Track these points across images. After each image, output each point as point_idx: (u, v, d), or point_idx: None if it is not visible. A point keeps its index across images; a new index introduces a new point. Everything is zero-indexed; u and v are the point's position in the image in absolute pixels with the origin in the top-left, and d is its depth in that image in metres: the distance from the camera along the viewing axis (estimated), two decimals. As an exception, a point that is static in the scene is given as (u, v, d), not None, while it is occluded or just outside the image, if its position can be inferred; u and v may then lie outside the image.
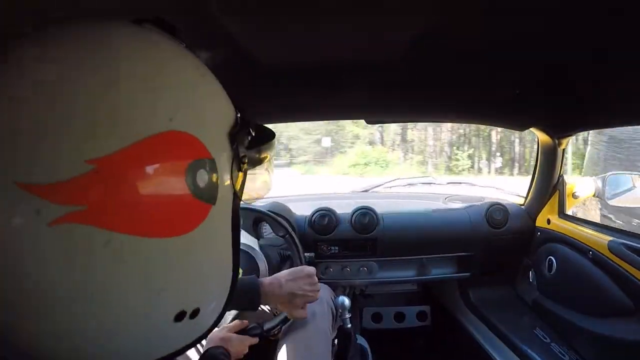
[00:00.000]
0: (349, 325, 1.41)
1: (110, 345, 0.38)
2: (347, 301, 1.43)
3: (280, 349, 1.18)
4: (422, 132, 16.32)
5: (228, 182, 0.44)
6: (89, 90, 0.35)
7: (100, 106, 0.35)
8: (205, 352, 0.91)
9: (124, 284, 0.37)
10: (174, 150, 0.38)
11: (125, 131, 0.35)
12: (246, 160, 0.46)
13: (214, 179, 0.41)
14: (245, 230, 1.61)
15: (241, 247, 1.13)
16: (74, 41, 0.38)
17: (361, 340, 1.84)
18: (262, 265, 1.26)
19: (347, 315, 1.44)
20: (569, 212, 1.59)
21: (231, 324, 1.07)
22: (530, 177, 1.78)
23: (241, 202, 0.48)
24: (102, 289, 0.36)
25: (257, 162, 0.49)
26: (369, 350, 1.83)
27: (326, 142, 15.16)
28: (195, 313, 0.43)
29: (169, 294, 0.40)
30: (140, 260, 0.37)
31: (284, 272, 1.05)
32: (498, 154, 15.59)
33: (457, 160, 15.23)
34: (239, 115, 0.48)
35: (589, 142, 4.23)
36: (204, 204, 0.40)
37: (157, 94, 0.38)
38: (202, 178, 0.40)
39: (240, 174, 0.46)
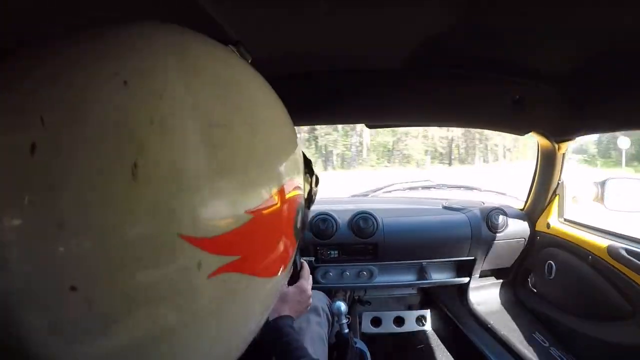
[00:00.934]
0: (347, 331, 1.40)
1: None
2: (343, 306, 1.43)
3: None
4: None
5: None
6: (243, 137, 0.35)
7: (255, 152, 0.35)
8: (267, 323, 0.89)
9: (248, 318, 0.40)
10: (294, 195, 0.39)
11: (273, 178, 0.36)
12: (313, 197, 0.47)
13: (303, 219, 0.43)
14: None
15: None
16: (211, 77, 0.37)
17: (360, 345, 1.84)
18: None
19: (344, 321, 1.43)
20: (569, 216, 1.59)
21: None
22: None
23: None
24: (233, 322, 0.38)
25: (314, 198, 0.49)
26: (368, 354, 1.83)
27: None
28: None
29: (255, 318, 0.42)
30: (259, 296, 0.39)
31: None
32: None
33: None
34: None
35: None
36: (295, 241, 0.42)
37: (284, 136, 0.41)
38: (300, 219, 0.41)
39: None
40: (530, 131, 1.53)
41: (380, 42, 1.03)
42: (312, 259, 1.20)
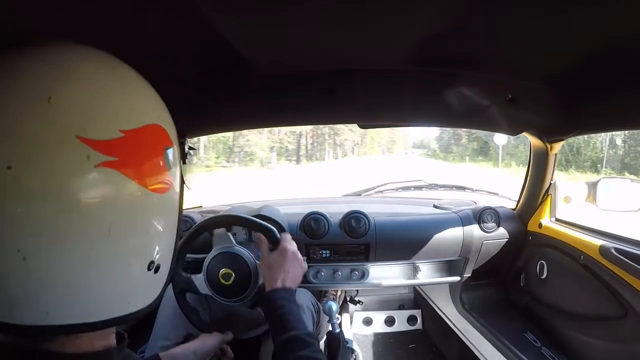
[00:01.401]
0: (338, 330, 1.40)
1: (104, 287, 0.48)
2: (334, 306, 1.43)
3: (263, 352, 1.22)
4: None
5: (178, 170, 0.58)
6: (113, 92, 0.50)
7: (122, 100, 0.50)
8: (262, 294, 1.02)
9: (136, 230, 0.51)
10: (159, 134, 0.53)
11: (140, 117, 0.51)
12: (187, 157, 0.61)
13: (176, 161, 0.56)
14: (239, 235, 1.62)
15: (231, 250, 1.14)
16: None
17: (352, 345, 1.84)
18: (252, 267, 1.23)
19: (336, 320, 1.44)
20: (561, 216, 1.60)
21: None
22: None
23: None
24: (119, 221, 0.48)
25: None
26: (359, 354, 1.83)
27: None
28: (157, 268, 0.54)
29: (149, 241, 0.53)
30: (140, 205, 0.50)
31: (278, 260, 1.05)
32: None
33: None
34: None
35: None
36: (171, 177, 0.55)
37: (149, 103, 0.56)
38: (170, 157, 0.54)
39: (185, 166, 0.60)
40: (523, 131, 1.53)
41: (373, 43, 1.03)
42: (304, 258, 1.21)
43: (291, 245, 1.09)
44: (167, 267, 0.58)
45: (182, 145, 0.59)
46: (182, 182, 0.59)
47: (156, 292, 0.56)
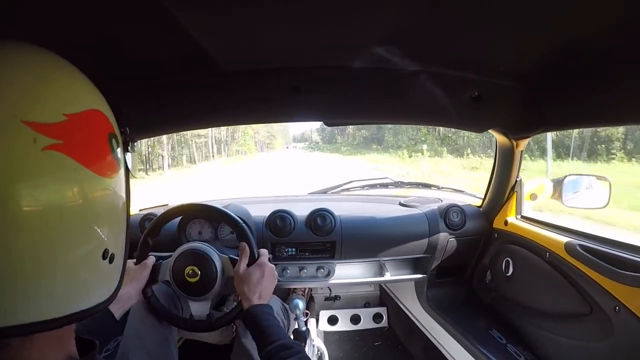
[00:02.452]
0: (304, 328, 1.44)
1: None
2: (301, 304, 1.46)
3: (235, 354, 1.26)
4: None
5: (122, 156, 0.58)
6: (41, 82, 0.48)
7: (63, 86, 0.50)
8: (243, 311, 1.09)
9: (87, 215, 0.50)
10: (101, 119, 0.53)
11: (82, 102, 0.51)
12: (130, 145, 0.60)
13: (119, 148, 0.56)
14: (204, 233, 1.66)
15: (197, 248, 1.13)
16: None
17: (318, 343, 1.82)
18: (218, 265, 1.23)
19: (302, 318, 1.47)
20: (526, 213, 1.61)
21: None
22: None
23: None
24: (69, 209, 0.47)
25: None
26: (325, 352, 1.80)
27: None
28: (112, 258, 0.54)
29: (102, 228, 0.52)
30: (88, 189, 0.49)
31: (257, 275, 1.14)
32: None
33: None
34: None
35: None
36: (116, 162, 0.54)
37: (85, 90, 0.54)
38: (113, 143, 0.54)
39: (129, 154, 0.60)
40: (489, 128, 1.54)
41: (338, 41, 1.02)
42: (270, 256, 1.20)
43: (267, 261, 1.19)
44: (122, 257, 0.58)
45: (123, 134, 0.59)
46: (127, 169, 0.59)
47: (114, 283, 0.56)
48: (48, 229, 0.45)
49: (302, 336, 1.50)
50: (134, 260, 1.24)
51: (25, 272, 0.44)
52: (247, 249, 1.18)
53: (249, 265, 1.17)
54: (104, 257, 0.52)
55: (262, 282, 1.12)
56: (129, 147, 0.60)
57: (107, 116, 0.54)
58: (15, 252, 0.43)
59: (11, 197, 0.42)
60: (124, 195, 0.58)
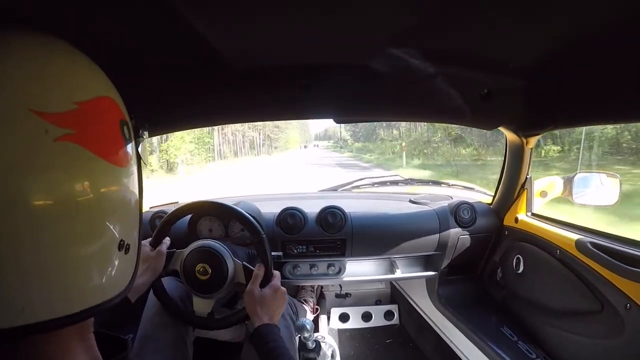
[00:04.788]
0: (312, 347, 1.47)
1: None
2: (308, 325, 1.46)
3: (245, 354, 1.28)
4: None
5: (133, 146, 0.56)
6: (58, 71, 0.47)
7: (72, 74, 0.49)
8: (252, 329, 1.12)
9: (104, 207, 0.49)
10: (112, 106, 0.52)
11: (91, 90, 0.49)
12: (142, 134, 0.60)
13: (131, 136, 0.55)
14: (215, 230, 1.65)
15: (212, 247, 1.15)
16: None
17: (330, 342, 1.83)
18: (230, 268, 1.24)
19: (310, 337, 1.49)
20: (537, 210, 1.60)
21: None
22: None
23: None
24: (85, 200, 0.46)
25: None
26: (337, 350, 1.82)
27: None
28: (127, 248, 0.53)
29: (117, 219, 0.51)
30: (104, 179, 0.48)
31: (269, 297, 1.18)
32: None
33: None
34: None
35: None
36: (129, 150, 0.53)
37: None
38: (125, 131, 0.53)
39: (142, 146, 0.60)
40: (499, 126, 1.53)
41: (349, 38, 1.01)
42: (280, 253, 1.22)
43: (279, 283, 1.22)
44: (136, 248, 0.57)
45: (133, 120, 0.58)
46: (139, 157, 0.58)
47: (129, 274, 0.56)
48: (64, 223, 0.44)
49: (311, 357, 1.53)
50: (149, 240, 1.26)
51: (43, 268, 0.43)
52: (262, 272, 1.20)
53: (262, 285, 1.19)
54: (119, 248, 0.51)
55: (273, 304, 1.16)
56: (140, 135, 0.59)
57: (117, 103, 0.53)
58: (30, 248, 0.41)
59: (25, 191, 0.41)
60: (137, 185, 0.56)
